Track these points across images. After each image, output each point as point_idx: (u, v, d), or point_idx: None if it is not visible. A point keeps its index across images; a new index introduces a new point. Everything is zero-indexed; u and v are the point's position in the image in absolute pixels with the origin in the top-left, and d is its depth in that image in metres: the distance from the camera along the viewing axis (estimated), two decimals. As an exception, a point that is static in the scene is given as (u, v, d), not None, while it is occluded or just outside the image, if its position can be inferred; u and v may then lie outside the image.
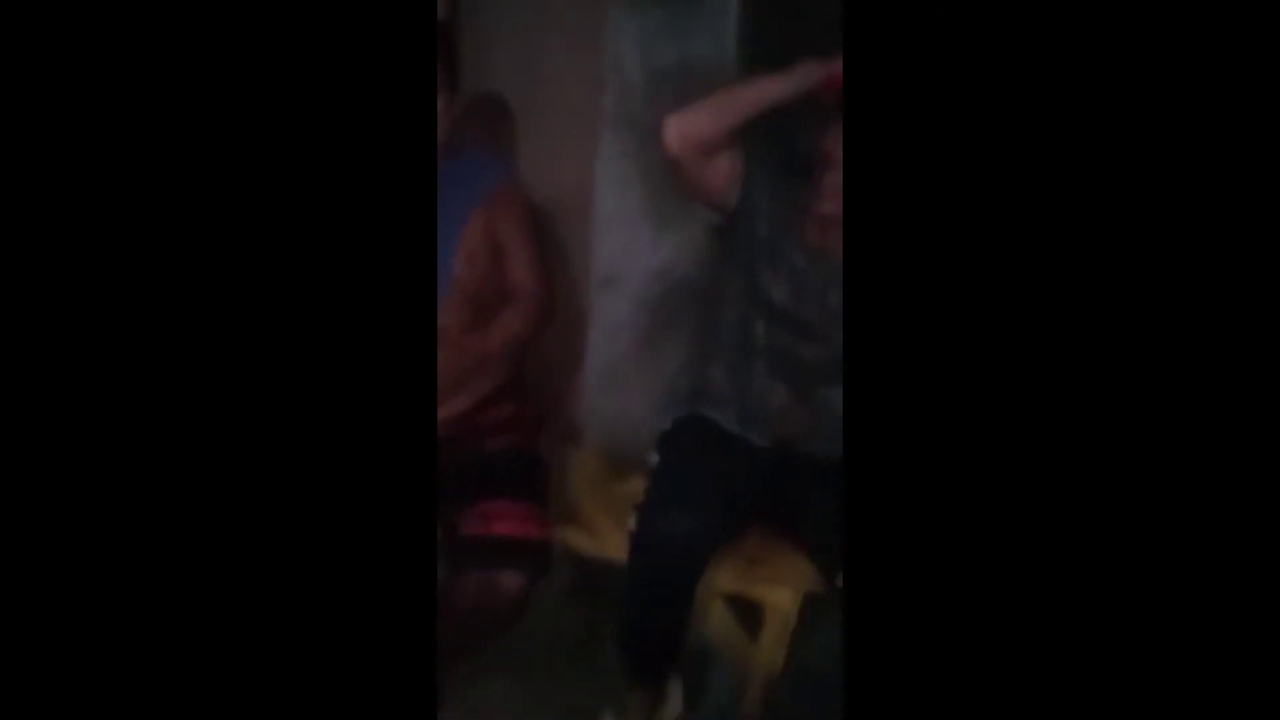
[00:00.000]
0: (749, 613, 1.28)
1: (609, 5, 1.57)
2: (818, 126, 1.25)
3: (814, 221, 1.28)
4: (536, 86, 1.64)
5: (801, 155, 1.29)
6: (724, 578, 1.28)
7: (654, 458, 1.30)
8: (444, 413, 1.24)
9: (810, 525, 1.26)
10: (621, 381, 1.71)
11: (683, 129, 1.21)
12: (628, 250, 1.69)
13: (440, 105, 1.29)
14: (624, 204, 1.68)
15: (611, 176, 1.67)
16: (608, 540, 1.33)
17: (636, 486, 1.31)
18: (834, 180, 1.22)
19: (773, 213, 1.29)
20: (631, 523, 1.24)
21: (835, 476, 1.26)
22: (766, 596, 1.24)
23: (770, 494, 1.29)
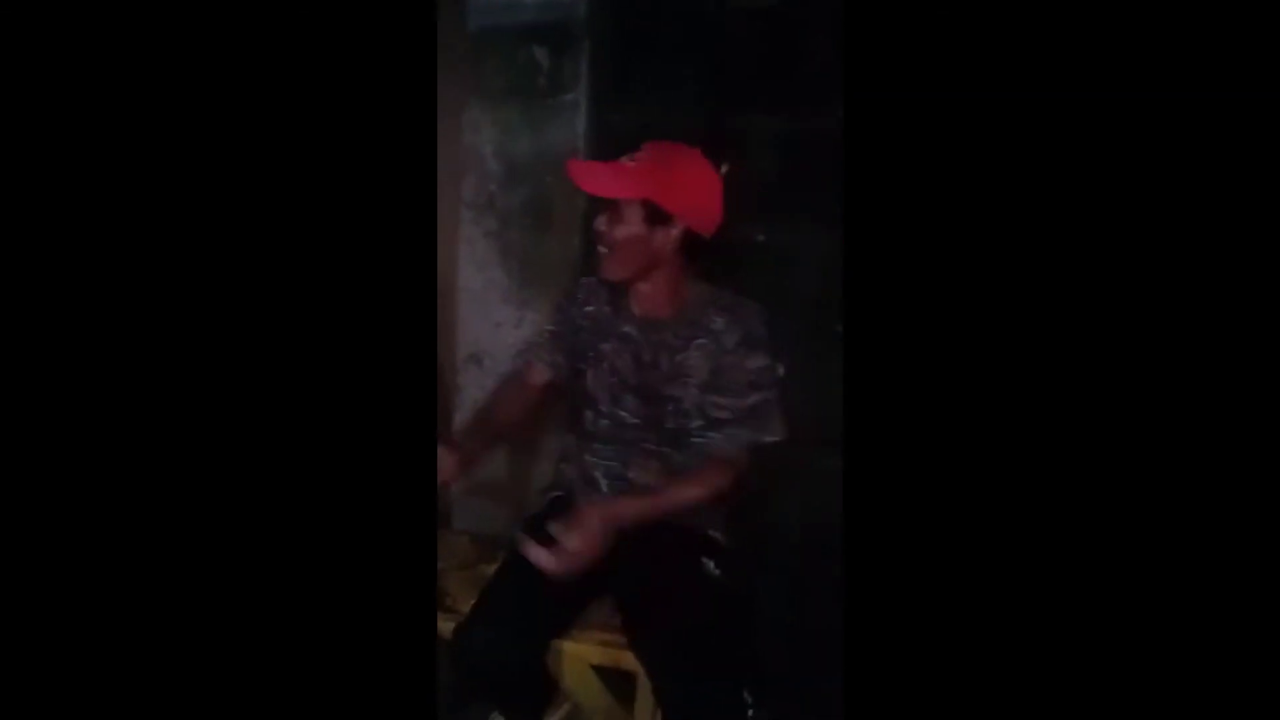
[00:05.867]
0: (622, 682, 1.29)
1: (467, 100, 1.63)
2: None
3: (636, 293, 1.32)
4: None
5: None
6: (591, 650, 1.30)
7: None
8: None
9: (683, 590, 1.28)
10: (489, 460, 1.72)
11: None
12: (491, 328, 1.72)
13: None
14: (487, 283, 1.72)
15: (474, 257, 1.70)
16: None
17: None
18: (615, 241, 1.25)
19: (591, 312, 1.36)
20: None
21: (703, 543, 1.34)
22: (637, 665, 1.24)
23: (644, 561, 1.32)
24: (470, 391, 1.73)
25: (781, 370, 1.26)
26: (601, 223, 1.27)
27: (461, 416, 1.73)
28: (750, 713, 1.14)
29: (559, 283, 1.64)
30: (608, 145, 1.61)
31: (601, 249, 1.28)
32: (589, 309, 1.37)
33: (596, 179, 1.25)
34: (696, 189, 1.26)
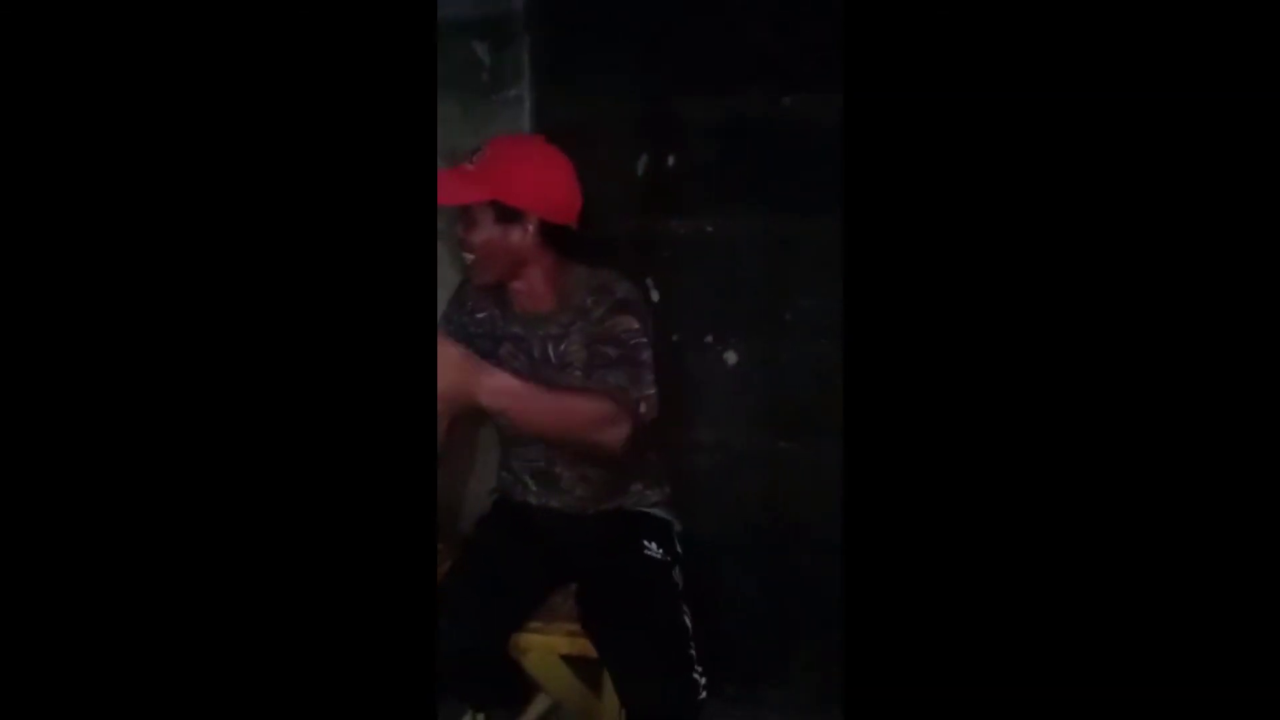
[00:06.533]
0: (593, 671, 1.31)
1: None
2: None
3: (515, 292, 1.33)
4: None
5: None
6: (560, 641, 1.31)
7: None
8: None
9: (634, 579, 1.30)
10: (440, 458, 1.70)
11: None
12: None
13: None
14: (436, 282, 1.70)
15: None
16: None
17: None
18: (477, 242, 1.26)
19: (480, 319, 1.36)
20: None
21: (650, 525, 1.35)
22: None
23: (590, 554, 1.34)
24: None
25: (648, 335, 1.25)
26: (459, 229, 1.27)
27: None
28: (703, 695, 1.14)
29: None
30: (553, 141, 1.61)
31: (467, 256, 1.29)
32: (480, 315, 1.37)
33: (439, 188, 1.23)
34: (542, 181, 1.26)
